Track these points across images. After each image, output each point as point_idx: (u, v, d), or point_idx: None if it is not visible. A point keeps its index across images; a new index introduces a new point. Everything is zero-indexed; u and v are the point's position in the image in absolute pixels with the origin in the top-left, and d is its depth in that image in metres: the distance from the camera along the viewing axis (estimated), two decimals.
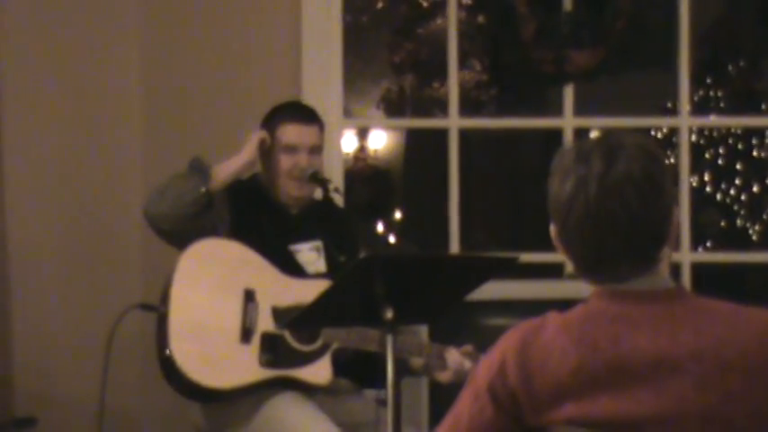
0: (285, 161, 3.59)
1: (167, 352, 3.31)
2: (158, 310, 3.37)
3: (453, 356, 3.36)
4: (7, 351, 4.05)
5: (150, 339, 3.38)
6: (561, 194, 1.96)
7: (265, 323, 3.43)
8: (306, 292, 3.39)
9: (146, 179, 4.33)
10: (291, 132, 3.60)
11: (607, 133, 2.01)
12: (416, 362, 3.48)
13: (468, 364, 3.34)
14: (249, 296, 3.43)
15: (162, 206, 3.41)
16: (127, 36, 4.36)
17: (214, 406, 3.47)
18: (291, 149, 3.59)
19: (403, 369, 3.31)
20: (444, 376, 3.38)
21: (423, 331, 3.89)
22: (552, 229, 2.01)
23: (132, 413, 4.27)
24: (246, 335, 3.39)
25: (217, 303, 3.39)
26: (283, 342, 3.43)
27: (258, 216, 3.56)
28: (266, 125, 3.65)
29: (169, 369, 3.32)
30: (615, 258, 1.95)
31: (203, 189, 3.41)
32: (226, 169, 3.49)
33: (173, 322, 3.33)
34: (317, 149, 3.62)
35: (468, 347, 3.38)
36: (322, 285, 3.34)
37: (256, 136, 3.54)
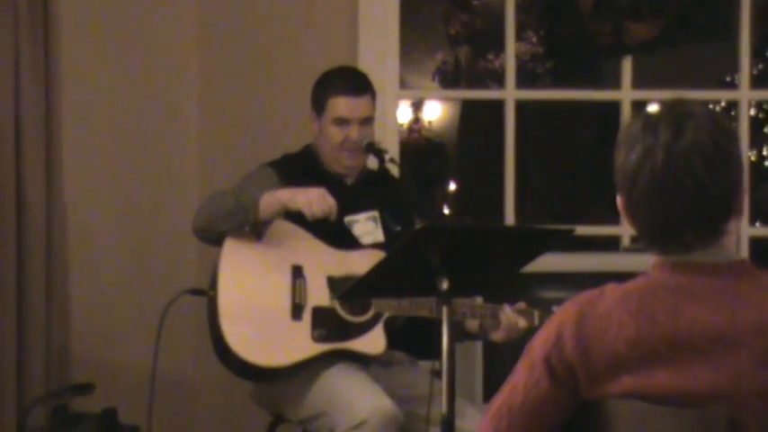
0: (336, 134, 3.56)
1: (219, 335, 3.33)
2: (208, 294, 3.39)
3: (507, 315, 3.31)
4: (65, 324, 4.09)
5: (205, 317, 3.40)
6: (628, 164, 1.94)
7: (316, 297, 3.43)
8: (357, 262, 3.40)
9: (203, 163, 4.36)
10: (342, 105, 3.56)
11: (675, 101, 1.97)
12: (471, 324, 3.46)
13: (521, 321, 3.30)
14: (297, 272, 3.43)
15: (208, 234, 3.45)
16: (184, 14, 4.37)
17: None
18: (342, 122, 3.56)
19: (458, 332, 3.29)
20: (498, 335, 3.33)
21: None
22: (618, 199, 1.99)
23: (187, 381, 4.32)
24: (297, 311, 3.40)
25: (265, 282, 3.40)
26: (335, 315, 3.43)
27: None
28: (317, 95, 3.63)
29: (223, 351, 3.34)
30: (681, 227, 1.92)
31: (246, 228, 3.41)
32: (272, 203, 3.38)
33: (222, 305, 3.35)
34: (368, 120, 3.58)
35: (522, 304, 3.34)
36: (372, 255, 3.34)
37: (289, 194, 3.39)
